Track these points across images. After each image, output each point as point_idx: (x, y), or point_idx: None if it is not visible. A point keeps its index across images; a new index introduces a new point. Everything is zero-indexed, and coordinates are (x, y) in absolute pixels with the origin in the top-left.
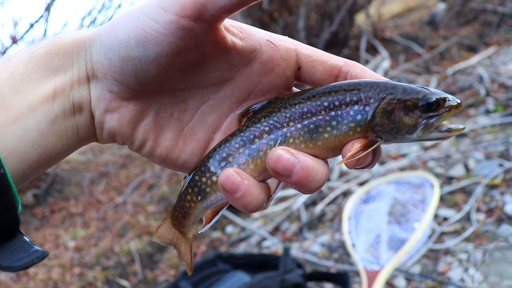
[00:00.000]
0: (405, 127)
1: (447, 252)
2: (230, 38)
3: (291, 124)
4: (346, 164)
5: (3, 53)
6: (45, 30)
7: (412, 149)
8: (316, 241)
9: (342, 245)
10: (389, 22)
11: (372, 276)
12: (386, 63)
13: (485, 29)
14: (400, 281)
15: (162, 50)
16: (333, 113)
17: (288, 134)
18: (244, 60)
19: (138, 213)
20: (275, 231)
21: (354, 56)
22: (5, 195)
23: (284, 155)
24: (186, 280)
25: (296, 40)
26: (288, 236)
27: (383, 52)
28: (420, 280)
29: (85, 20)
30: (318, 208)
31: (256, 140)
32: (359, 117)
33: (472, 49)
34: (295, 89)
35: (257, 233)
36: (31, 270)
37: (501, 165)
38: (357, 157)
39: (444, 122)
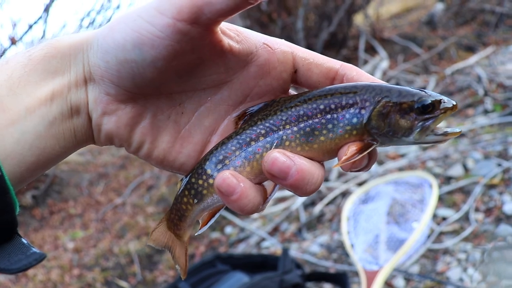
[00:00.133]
0: (401, 130)
1: (446, 252)
2: (226, 41)
3: (287, 127)
4: (341, 167)
5: (2, 54)
6: (44, 31)
7: (410, 149)
8: (315, 242)
9: (341, 246)
10: (388, 22)
11: (371, 276)
12: (385, 64)
13: (483, 29)
14: (399, 281)
15: (159, 53)
16: (329, 116)
17: (284, 137)
18: (241, 63)
19: (137, 214)
20: (274, 231)
21: (352, 56)
22: (3, 197)
23: (280, 157)
24: (185, 281)
25: (295, 40)
26: (287, 236)
27: (382, 53)
28: (419, 280)
29: (84, 21)
30: (317, 209)
31: (253, 142)
32: (355, 120)
33: (470, 49)
34: (291, 92)
35: (256, 234)
36: (30, 272)
37: (499, 165)
38: (352, 160)
39: (440, 126)
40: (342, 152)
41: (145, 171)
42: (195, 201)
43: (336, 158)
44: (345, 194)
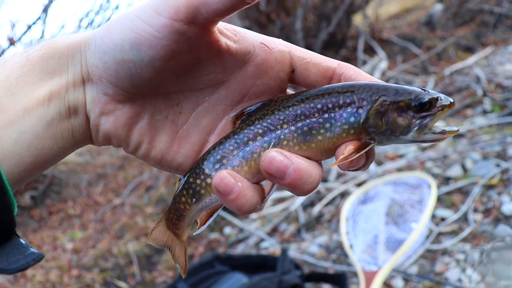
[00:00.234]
0: (399, 128)
1: (445, 252)
2: (224, 41)
3: (285, 126)
4: (339, 166)
5: (0, 55)
6: (43, 32)
7: (409, 149)
8: (314, 242)
9: (340, 246)
10: (387, 23)
11: (369, 276)
12: (384, 64)
13: (482, 29)
14: (398, 282)
15: (156, 53)
16: (326, 115)
17: (282, 136)
18: (238, 62)
19: (136, 215)
20: (273, 232)
21: (351, 57)
22: (1, 198)
23: (278, 157)
24: (184, 282)
25: (294, 41)
26: (286, 237)
27: (381, 53)
28: (417, 281)
29: (82, 21)
30: (316, 209)
31: (250, 142)
32: (352, 119)
33: (469, 50)
34: (289, 91)
35: (255, 234)
36: (29, 272)
37: (498, 165)
38: (350, 159)
39: (438, 124)
40: (339, 151)
41: (144, 171)
42: (193, 200)
43: (334, 157)
44: (344, 195)
